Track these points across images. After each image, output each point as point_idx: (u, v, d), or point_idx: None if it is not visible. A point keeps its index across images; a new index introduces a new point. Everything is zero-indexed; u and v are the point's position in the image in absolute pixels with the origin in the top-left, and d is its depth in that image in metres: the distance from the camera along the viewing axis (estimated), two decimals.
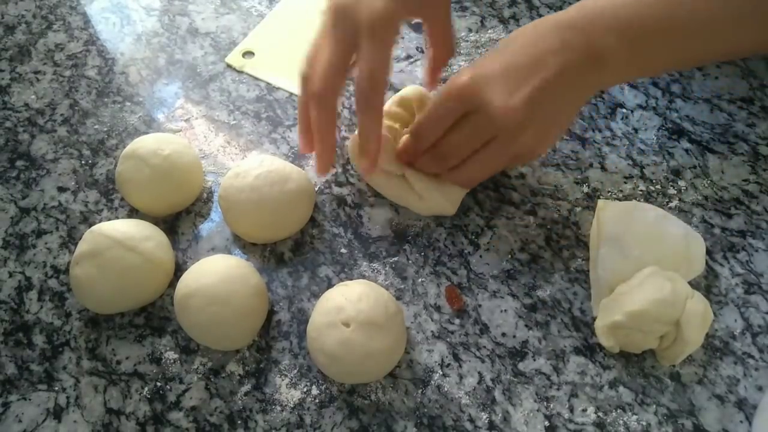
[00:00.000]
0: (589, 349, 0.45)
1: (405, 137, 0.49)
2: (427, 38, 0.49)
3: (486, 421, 0.42)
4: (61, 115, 0.59)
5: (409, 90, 0.52)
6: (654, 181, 0.52)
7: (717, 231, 0.50)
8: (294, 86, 0.59)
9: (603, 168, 0.53)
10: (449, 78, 0.44)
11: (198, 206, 0.52)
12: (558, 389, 0.43)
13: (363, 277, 0.48)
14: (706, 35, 0.43)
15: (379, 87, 0.43)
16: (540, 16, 0.63)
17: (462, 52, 0.61)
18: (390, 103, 0.52)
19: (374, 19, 0.41)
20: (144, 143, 0.50)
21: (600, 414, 0.42)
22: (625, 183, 0.52)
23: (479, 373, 0.44)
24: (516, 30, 0.45)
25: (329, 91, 0.43)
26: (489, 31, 0.62)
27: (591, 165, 0.53)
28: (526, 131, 0.42)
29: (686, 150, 0.54)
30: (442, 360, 0.44)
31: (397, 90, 0.54)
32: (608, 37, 0.41)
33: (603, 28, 0.42)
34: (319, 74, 0.43)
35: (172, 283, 0.47)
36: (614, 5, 0.42)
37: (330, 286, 0.47)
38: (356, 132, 0.49)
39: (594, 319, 0.45)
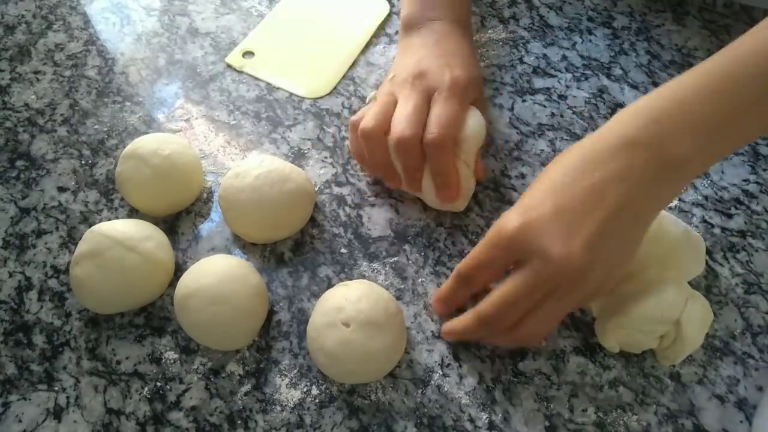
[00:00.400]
0: (589, 349, 0.45)
1: (447, 283, 0.44)
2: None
3: (486, 421, 0.42)
4: (61, 115, 0.59)
5: None
6: None
7: (717, 231, 0.50)
8: (294, 86, 0.59)
9: None
10: (494, 223, 0.39)
11: (198, 206, 0.52)
12: (558, 389, 0.43)
13: (363, 277, 0.48)
14: None
15: (450, 135, 0.46)
16: (540, 16, 0.63)
17: None
18: None
19: (463, 82, 0.47)
20: (144, 143, 0.50)
21: (600, 414, 0.42)
22: None
23: (479, 373, 0.44)
24: (565, 152, 0.39)
25: (411, 136, 0.45)
26: (489, 31, 0.62)
27: None
28: (589, 276, 0.36)
29: None
30: (442, 360, 0.44)
31: None
32: (684, 143, 0.35)
33: (676, 134, 0.35)
34: (399, 122, 0.46)
35: (172, 283, 0.47)
36: (682, 101, 0.36)
37: (330, 286, 0.47)
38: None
39: (594, 319, 0.45)
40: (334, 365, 0.41)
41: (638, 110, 0.37)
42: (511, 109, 0.57)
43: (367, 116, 0.47)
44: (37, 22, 0.66)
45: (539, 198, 0.37)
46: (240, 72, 0.61)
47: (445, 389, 0.43)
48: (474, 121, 0.48)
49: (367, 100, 0.53)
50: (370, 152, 0.48)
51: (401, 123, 0.46)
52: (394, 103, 0.48)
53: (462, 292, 0.43)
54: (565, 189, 0.37)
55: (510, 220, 0.37)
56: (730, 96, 0.35)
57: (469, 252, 0.49)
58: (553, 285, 0.36)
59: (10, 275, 0.50)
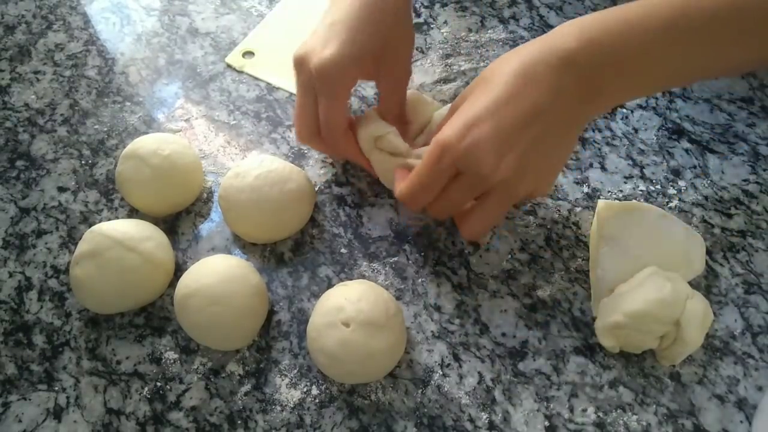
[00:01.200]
0: (589, 349, 0.45)
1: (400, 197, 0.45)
2: (380, 97, 0.51)
3: (486, 421, 0.42)
4: (61, 115, 0.59)
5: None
6: (654, 181, 0.52)
7: (717, 231, 0.50)
8: (294, 86, 0.59)
9: (603, 168, 0.53)
10: (436, 136, 0.40)
11: (198, 206, 0.52)
12: (558, 389, 0.43)
13: (363, 277, 0.48)
14: (706, 50, 0.40)
15: (336, 131, 0.47)
16: (540, 16, 0.63)
17: (462, 52, 0.61)
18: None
19: (323, 73, 0.44)
20: (144, 143, 0.50)
21: (600, 414, 0.42)
22: (625, 183, 0.52)
23: (479, 373, 0.44)
24: (501, 60, 0.41)
25: (308, 132, 0.48)
26: (489, 31, 0.62)
27: (591, 165, 0.53)
28: (522, 181, 0.41)
29: (686, 150, 0.54)
30: (442, 360, 0.44)
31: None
32: (606, 72, 0.39)
33: (601, 63, 0.39)
34: (297, 122, 0.48)
35: (172, 283, 0.47)
36: (612, 31, 0.39)
37: (330, 286, 0.47)
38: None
39: (594, 319, 0.45)
40: (334, 365, 0.41)
41: (581, 29, 0.39)
42: None
43: (295, 115, 0.49)
44: (37, 22, 0.66)
45: (479, 114, 0.39)
46: (240, 72, 0.61)
47: (445, 389, 0.43)
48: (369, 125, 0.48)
49: None
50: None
51: (296, 125, 0.49)
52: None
53: (414, 208, 0.45)
54: (503, 108, 0.39)
55: (448, 134, 0.39)
56: (654, 33, 0.39)
57: (469, 252, 0.49)
58: (488, 188, 0.41)
59: (10, 275, 0.50)
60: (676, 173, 0.52)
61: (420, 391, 0.43)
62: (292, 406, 0.43)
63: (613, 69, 0.39)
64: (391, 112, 0.50)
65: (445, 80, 0.59)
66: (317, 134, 0.48)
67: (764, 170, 0.53)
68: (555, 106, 0.39)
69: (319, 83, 0.44)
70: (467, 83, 0.58)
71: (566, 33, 0.40)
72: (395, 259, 0.49)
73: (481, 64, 0.60)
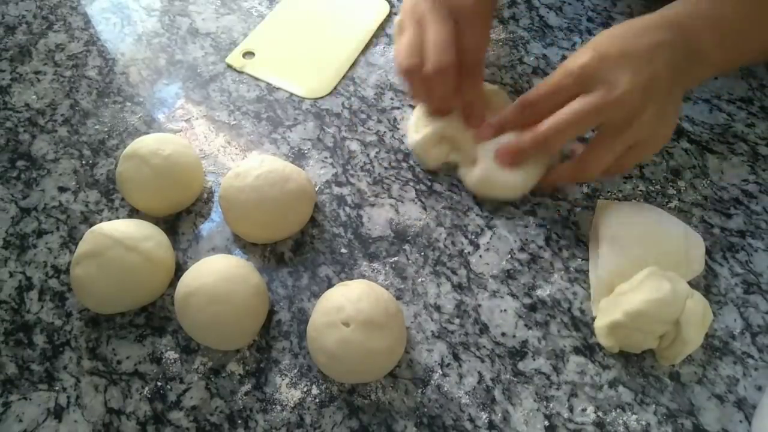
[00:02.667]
0: (589, 349, 0.45)
1: (509, 108, 0.49)
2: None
3: (486, 421, 0.42)
4: (62, 115, 0.59)
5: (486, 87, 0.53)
6: (653, 181, 0.52)
7: (716, 231, 0.50)
8: (294, 86, 0.59)
9: None
10: (568, 57, 0.44)
11: (198, 206, 0.52)
12: (558, 389, 0.43)
13: (363, 277, 0.48)
14: None
15: (479, 62, 0.49)
16: (540, 16, 0.63)
17: None
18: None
19: (473, 3, 0.47)
20: (144, 143, 0.50)
21: (600, 414, 0.42)
22: (625, 183, 0.52)
23: (479, 372, 0.44)
24: (610, 29, 0.45)
25: (448, 64, 0.46)
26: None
27: None
28: (642, 118, 0.42)
29: (685, 150, 0.54)
30: (442, 360, 0.44)
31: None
32: (704, 36, 0.43)
33: (700, 28, 0.43)
34: (433, 53, 0.46)
35: (173, 283, 0.47)
36: (703, 6, 0.44)
37: (330, 286, 0.47)
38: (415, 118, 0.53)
39: (593, 319, 0.45)
40: (334, 365, 0.41)
41: (680, 5, 0.44)
42: None
43: (403, 53, 0.48)
44: (38, 22, 0.66)
45: (606, 42, 0.43)
46: (240, 72, 0.61)
47: (445, 389, 0.43)
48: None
49: (394, 29, 0.53)
50: (430, 89, 0.49)
51: (436, 53, 0.46)
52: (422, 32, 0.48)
53: (520, 119, 0.47)
54: (629, 39, 0.43)
55: (582, 54, 0.43)
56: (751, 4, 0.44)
57: (468, 252, 0.49)
58: (610, 116, 0.42)
59: (11, 275, 0.50)
60: (676, 173, 0.53)
61: (420, 390, 0.43)
62: (292, 405, 0.43)
63: (710, 35, 0.43)
64: (472, 73, 0.50)
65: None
66: (455, 63, 0.47)
67: (763, 170, 0.53)
68: (669, 56, 0.42)
69: (467, 8, 0.47)
70: None
71: (662, 10, 0.44)
72: (395, 259, 0.49)
73: None
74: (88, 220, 0.52)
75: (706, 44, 0.43)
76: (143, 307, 0.47)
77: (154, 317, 0.47)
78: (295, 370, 0.44)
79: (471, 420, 0.42)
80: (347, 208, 0.52)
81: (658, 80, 0.42)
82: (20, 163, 0.56)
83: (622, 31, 0.44)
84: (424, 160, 0.52)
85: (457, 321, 0.46)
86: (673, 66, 0.42)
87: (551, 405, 0.42)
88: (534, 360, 0.44)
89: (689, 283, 0.44)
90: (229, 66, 0.61)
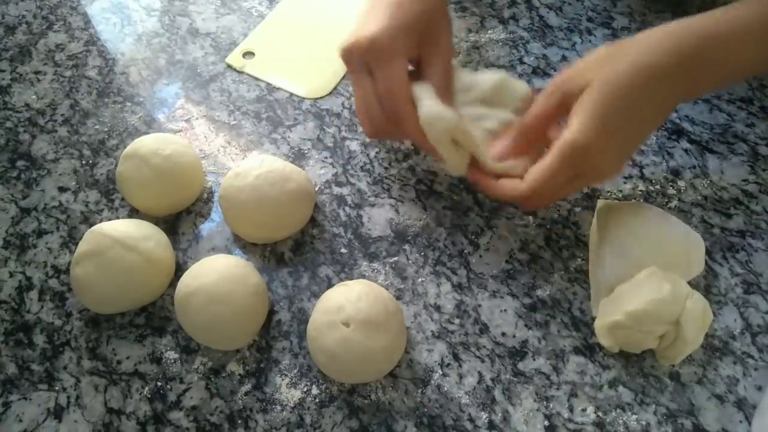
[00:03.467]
0: (589, 349, 0.45)
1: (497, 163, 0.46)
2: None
3: (486, 421, 0.42)
4: (62, 115, 0.59)
5: (516, 84, 0.48)
6: (653, 181, 0.52)
7: (716, 231, 0.50)
8: (294, 86, 0.59)
9: None
10: (564, 138, 0.41)
11: (198, 206, 0.52)
12: (558, 389, 0.43)
13: (363, 277, 0.48)
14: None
15: (398, 101, 0.44)
16: (540, 17, 0.63)
17: (462, 52, 0.61)
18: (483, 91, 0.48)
19: (374, 45, 0.43)
20: (144, 143, 0.50)
21: (600, 414, 0.42)
22: (625, 183, 0.52)
23: (479, 372, 0.44)
24: (620, 65, 0.41)
25: (374, 123, 0.47)
26: (489, 31, 0.62)
27: None
28: (615, 170, 0.44)
29: (686, 150, 0.54)
30: (442, 360, 0.44)
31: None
32: (704, 80, 0.43)
33: (699, 74, 0.42)
34: (362, 116, 0.47)
35: (173, 283, 0.47)
36: (705, 43, 0.42)
37: (330, 285, 0.47)
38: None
39: (593, 319, 0.45)
40: (334, 365, 0.41)
41: (677, 46, 0.42)
42: None
43: (359, 116, 0.48)
44: (38, 22, 0.66)
45: (601, 121, 0.41)
46: (240, 72, 0.61)
47: (445, 389, 0.43)
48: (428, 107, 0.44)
49: None
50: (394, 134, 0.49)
51: (362, 120, 0.48)
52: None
53: (533, 202, 0.46)
54: (617, 116, 0.41)
55: (577, 137, 0.41)
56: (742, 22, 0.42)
57: (468, 252, 0.49)
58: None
59: (11, 275, 0.50)
60: (676, 173, 0.53)
61: (420, 390, 0.43)
62: (292, 405, 0.43)
63: (710, 78, 0.43)
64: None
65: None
66: (384, 122, 0.46)
67: (763, 170, 0.53)
68: (660, 117, 0.43)
69: (372, 57, 0.44)
70: None
71: (662, 51, 0.42)
72: (395, 259, 0.49)
73: (481, 64, 0.60)
74: (88, 220, 0.52)
75: (703, 85, 0.44)
76: (143, 307, 0.47)
77: (154, 317, 0.47)
78: (295, 370, 0.44)
79: (471, 420, 0.42)
80: (347, 208, 0.52)
81: (641, 142, 0.43)
82: (20, 163, 0.56)
83: (618, 99, 0.41)
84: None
85: (457, 321, 0.46)
86: (661, 118, 0.44)
87: (551, 405, 0.42)
88: (534, 360, 0.44)
89: (689, 283, 0.44)
90: (229, 66, 0.61)
